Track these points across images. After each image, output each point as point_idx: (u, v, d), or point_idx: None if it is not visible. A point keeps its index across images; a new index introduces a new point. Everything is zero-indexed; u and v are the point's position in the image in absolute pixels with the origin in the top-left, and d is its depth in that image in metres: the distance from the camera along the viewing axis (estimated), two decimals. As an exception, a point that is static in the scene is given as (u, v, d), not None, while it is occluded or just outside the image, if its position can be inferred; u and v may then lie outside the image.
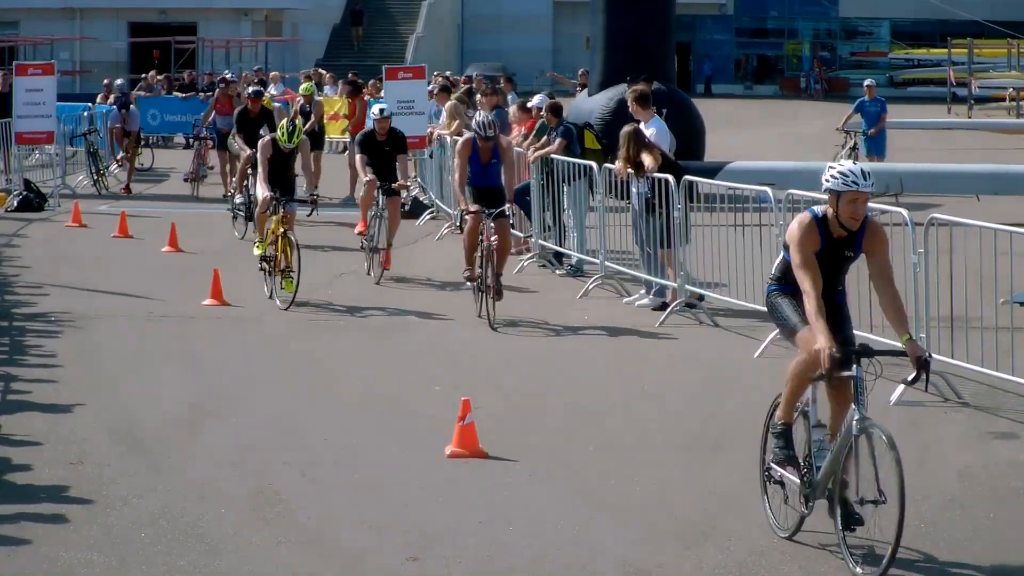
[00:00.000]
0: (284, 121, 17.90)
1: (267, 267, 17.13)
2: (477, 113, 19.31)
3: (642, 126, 17.02)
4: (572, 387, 13.01)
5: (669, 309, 16.02)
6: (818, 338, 8.36)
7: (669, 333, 15.40)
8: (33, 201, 25.97)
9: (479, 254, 16.02)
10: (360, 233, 19.15)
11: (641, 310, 16.62)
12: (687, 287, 16.08)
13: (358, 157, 18.68)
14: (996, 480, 10.19)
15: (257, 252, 17.56)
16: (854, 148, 28.55)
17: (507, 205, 16.27)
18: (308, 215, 18.14)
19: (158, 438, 11.14)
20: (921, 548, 8.81)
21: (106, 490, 9.77)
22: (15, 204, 25.76)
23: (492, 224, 15.95)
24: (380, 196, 18.58)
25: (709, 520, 9.30)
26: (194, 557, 8.55)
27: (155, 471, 10.27)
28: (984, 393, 12.47)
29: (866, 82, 29.60)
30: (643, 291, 17.09)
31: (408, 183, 21.08)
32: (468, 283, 16.42)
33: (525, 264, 19.38)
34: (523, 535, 9.01)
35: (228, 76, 31.29)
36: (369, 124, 20.67)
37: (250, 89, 24.04)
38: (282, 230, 16.76)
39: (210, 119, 27.21)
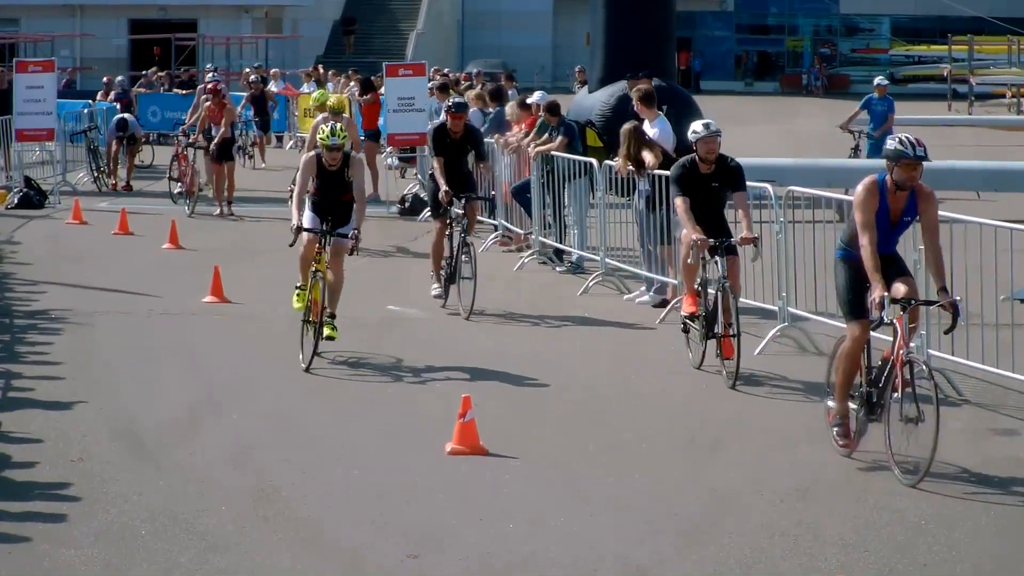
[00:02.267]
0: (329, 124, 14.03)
1: (306, 319, 13.77)
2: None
3: (647, 126, 17.01)
4: (572, 384, 13.01)
5: (670, 306, 16.01)
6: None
7: (669, 330, 15.38)
8: (33, 198, 25.97)
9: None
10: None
11: (641, 307, 16.61)
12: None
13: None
14: (996, 477, 10.20)
15: (298, 306, 14.20)
16: (856, 149, 28.33)
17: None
18: (350, 253, 13.88)
19: (158, 435, 11.14)
20: (921, 546, 8.82)
21: (106, 487, 9.77)
22: (15, 201, 25.76)
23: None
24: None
25: (709, 518, 9.30)
26: (194, 554, 8.56)
27: (155, 468, 10.27)
28: (985, 390, 12.47)
29: (876, 80, 29.13)
30: (643, 288, 17.09)
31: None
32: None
33: (526, 261, 19.37)
34: (523, 532, 9.02)
35: (212, 77, 30.20)
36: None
37: (451, 102, 17.46)
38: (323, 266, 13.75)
39: (203, 126, 25.39)
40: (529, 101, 21.41)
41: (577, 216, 19.07)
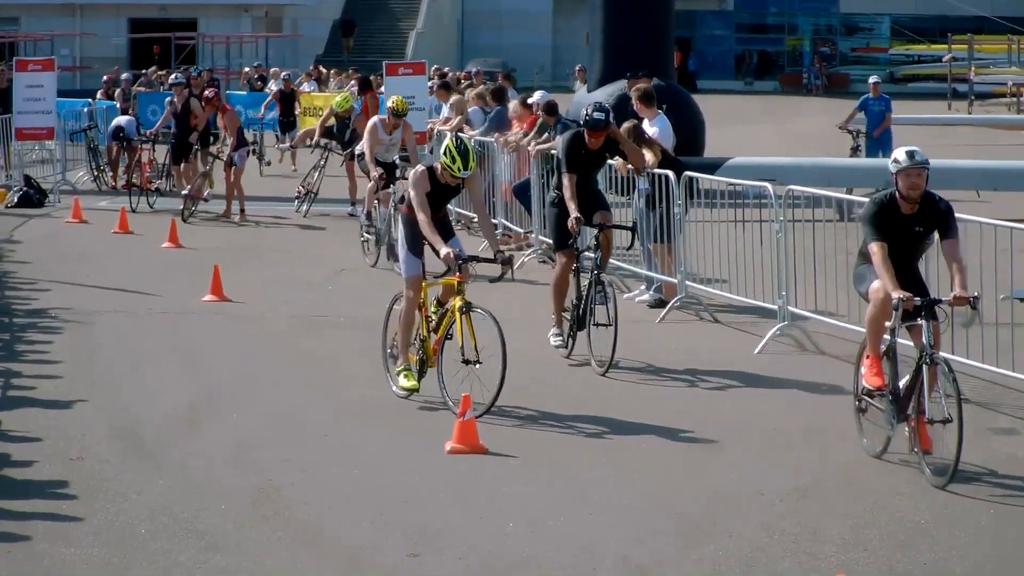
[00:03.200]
0: (448, 140, 12.07)
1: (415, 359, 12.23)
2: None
3: (647, 125, 17.00)
4: (572, 384, 13.00)
5: (669, 305, 16.02)
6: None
7: (669, 329, 15.39)
8: (33, 197, 25.97)
9: None
10: None
11: (641, 306, 16.61)
12: (692, 285, 16.05)
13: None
14: (996, 476, 10.19)
15: (411, 385, 12.11)
16: (856, 149, 28.31)
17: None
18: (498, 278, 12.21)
19: (158, 434, 11.14)
20: (921, 546, 8.82)
21: (106, 486, 9.77)
22: (15, 200, 25.76)
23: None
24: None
25: (709, 517, 9.29)
26: (194, 553, 8.56)
27: (155, 467, 10.27)
28: (984, 389, 12.46)
29: (871, 79, 29.18)
30: (643, 287, 17.09)
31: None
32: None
33: (525, 260, 19.36)
34: (523, 532, 9.01)
35: (176, 79, 27.84)
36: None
37: (592, 112, 13.81)
38: (459, 303, 11.78)
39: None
40: (530, 101, 21.40)
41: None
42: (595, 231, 13.83)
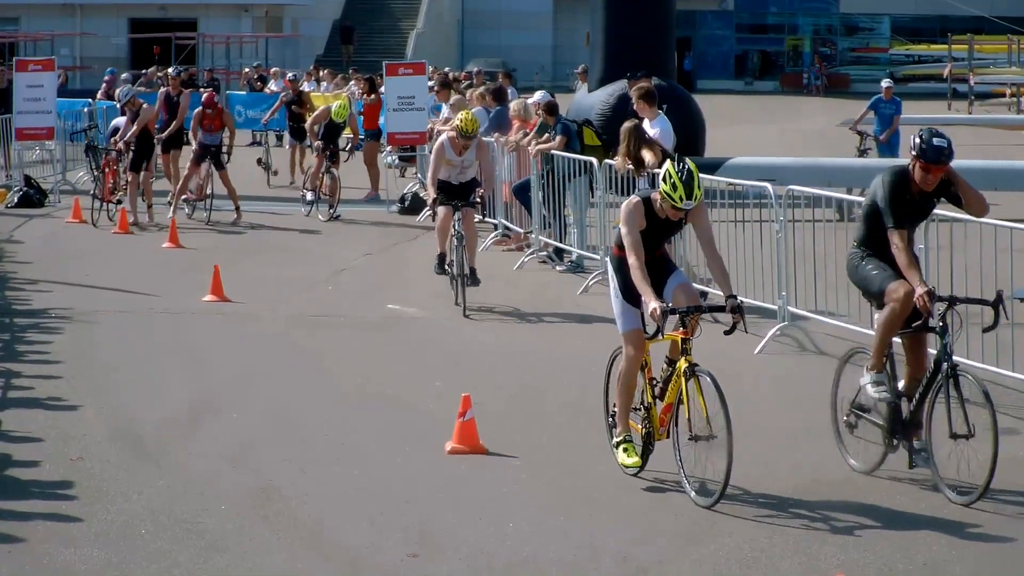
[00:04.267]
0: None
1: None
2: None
3: (647, 124, 17.01)
4: (572, 383, 13.00)
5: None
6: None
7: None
8: (33, 197, 25.97)
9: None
10: None
11: (641, 306, 16.59)
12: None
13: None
14: (996, 477, 10.18)
15: (628, 461, 10.11)
16: (865, 151, 28.28)
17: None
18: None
19: (158, 434, 11.14)
20: (921, 546, 8.82)
21: (106, 486, 9.78)
22: (15, 200, 25.77)
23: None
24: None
25: (709, 517, 9.29)
26: (194, 553, 8.56)
27: (155, 467, 10.27)
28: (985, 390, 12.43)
29: (883, 83, 29.13)
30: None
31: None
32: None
33: (526, 260, 19.37)
34: (523, 532, 9.02)
35: (173, 76, 27.98)
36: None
37: (920, 143, 9.92)
38: (684, 365, 9.77)
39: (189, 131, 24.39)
40: (530, 101, 21.41)
41: (577, 215, 19.07)
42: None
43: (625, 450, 10.07)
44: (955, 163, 9.98)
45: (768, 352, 14.18)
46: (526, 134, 20.43)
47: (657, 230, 9.92)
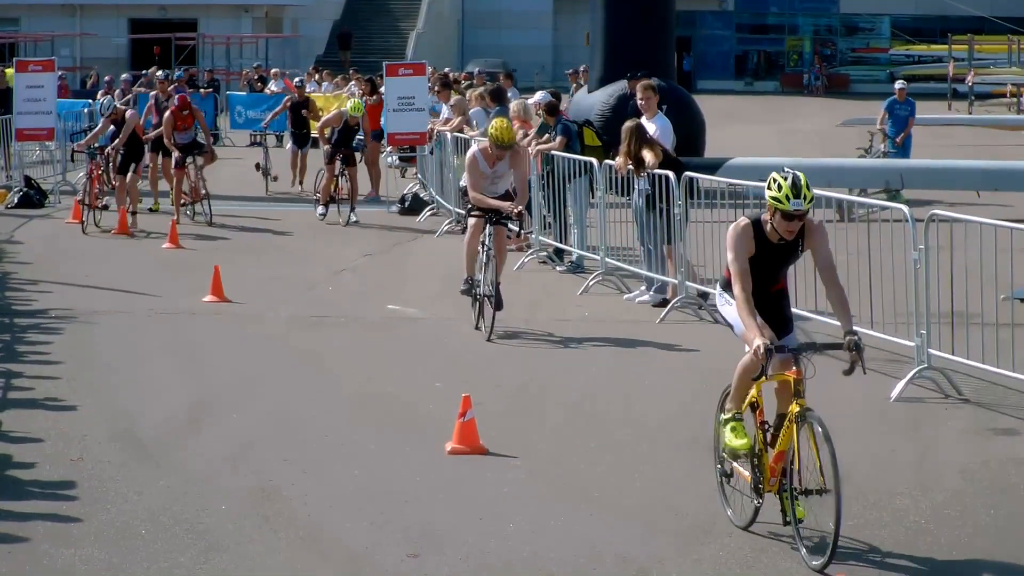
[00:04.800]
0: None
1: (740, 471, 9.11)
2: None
3: (647, 122, 16.99)
4: (572, 384, 13.00)
5: (670, 305, 16.02)
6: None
7: (670, 329, 15.39)
8: (34, 198, 25.97)
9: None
10: None
11: (641, 306, 16.62)
12: (693, 284, 16.06)
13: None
14: (997, 477, 10.19)
15: (740, 443, 9.03)
16: (884, 152, 28.22)
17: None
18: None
19: (158, 435, 11.14)
20: (921, 545, 8.81)
21: (106, 487, 9.77)
22: (16, 201, 25.76)
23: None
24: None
25: (709, 517, 9.29)
26: (194, 554, 8.56)
27: (155, 468, 10.27)
28: (985, 389, 12.46)
29: (897, 84, 29.07)
30: (643, 287, 17.09)
31: None
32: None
33: (526, 261, 19.37)
34: (523, 532, 9.01)
35: (161, 80, 27.92)
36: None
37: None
38: (796, 409, 8.52)
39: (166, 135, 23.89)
40: (530, 101, 21.40)
41: (577, 215, 19.07)
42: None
43: (733, 429, 8.96)
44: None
45: (768, 352, 14.16)
46: (526, 135, 20.42)
47: (769, 257, 8.72)
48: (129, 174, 23.04)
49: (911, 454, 10.72)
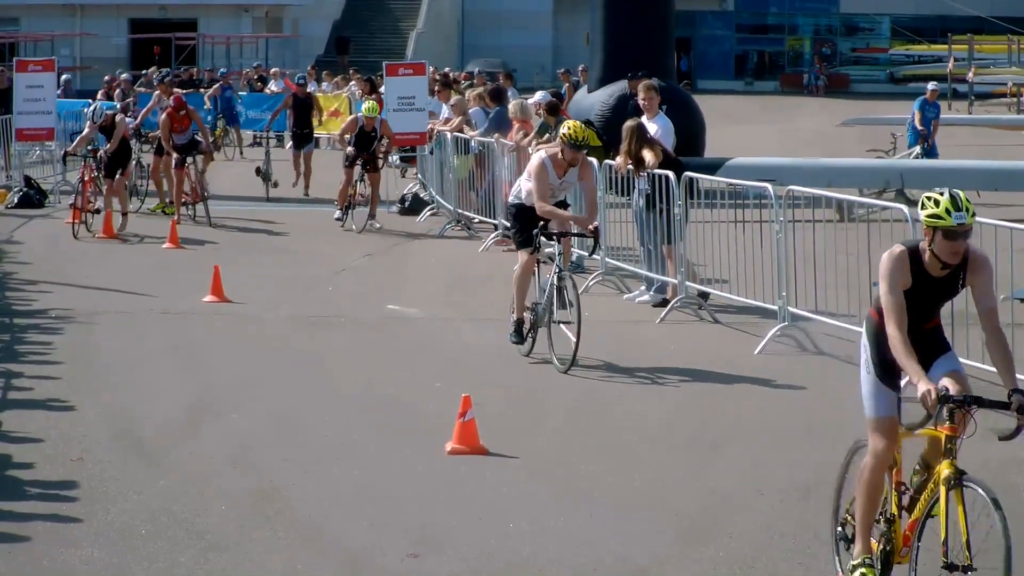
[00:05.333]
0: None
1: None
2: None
3: (648, 122, 16.99)
4: (573, 384, 13.00)
5: (670, 305, 16.02)
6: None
7: (669, 329, 15.39)
8: (33, 198, 25.97)
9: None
10: None
11: (641, 306, 16.61)
12: (693, 284, 16.06)
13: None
14: (996, 477, 10.17)
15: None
16: (920, 155, 28.23)
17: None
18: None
19: (158, 435, 11.14)
20: (921, 545, 8.79)
21: (106, 487, 9.77)
22: (15, 201, 25.75)
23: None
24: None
25: (709, 517, 9.29)
26: (194, 554, 8.56)
27: (155, 468, 10.27)
28: (984, 390, 12.41)
29: (930, 85, 29.20)
30: (643, 287, 17.09)
31: None
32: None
33: (525, 261, 19.34)
34: (523, 532, 9.01)
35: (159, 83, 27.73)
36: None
37: None
38: (948, 471, 7.48)
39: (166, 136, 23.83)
40: (530, 101, 21.40)
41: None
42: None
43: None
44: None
45: (768, 352, 14.18)
46: (526, 134, 20.43)
47: (926, 291, 7.70)
48: (117, 177, 23.00)
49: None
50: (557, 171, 13.73)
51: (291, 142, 28.39)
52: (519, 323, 13.68)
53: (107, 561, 8.42)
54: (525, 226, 13.84)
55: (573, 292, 13.38)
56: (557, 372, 13.36)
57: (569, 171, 13.76)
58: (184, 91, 39.06)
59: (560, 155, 13.63)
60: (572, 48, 69.47)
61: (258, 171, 27.48)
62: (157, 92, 28.16)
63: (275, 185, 27.66)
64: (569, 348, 13.21)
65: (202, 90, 39.65)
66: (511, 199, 14.29)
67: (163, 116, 24.04)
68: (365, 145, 23.17)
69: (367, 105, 23.82)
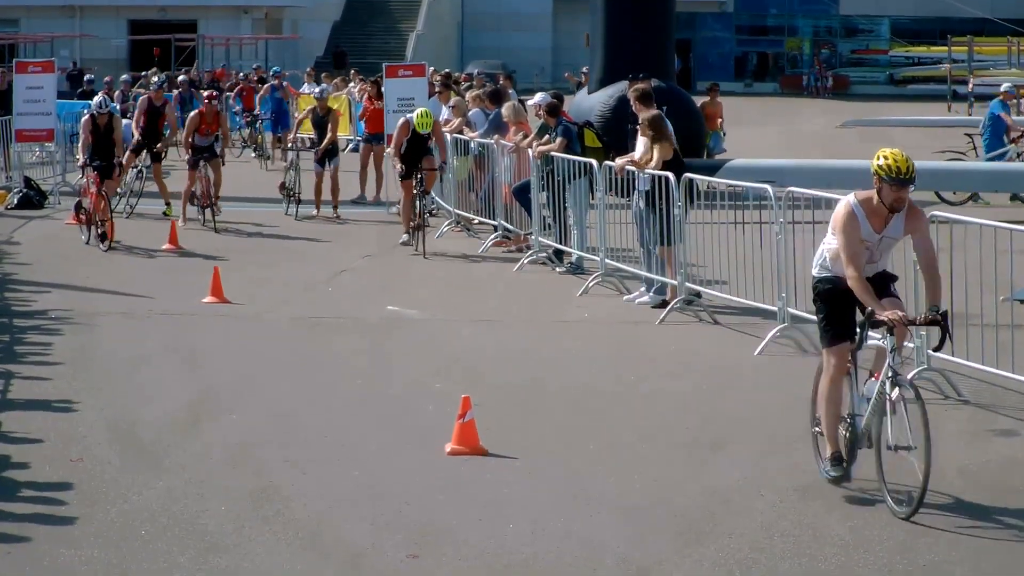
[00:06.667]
0: None
1: None
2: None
3: (644, 124, 17.00)
4: (572, 385, 13.00)
5: (669, 306, 16.02)
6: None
7: (669, 331, 15.40)
8: (33, 199, 25.97)
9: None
10: None
11: (641, 308, 16.61)
12: (691, 286, 16.06)
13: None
14: (996, 478, 10.19)
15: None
16: (974, 150, 28.23)
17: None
18: None
19: (158, 435, 11.14)
20: (921, 546, 8.81)
21: (106, 487, 9.77)
22: (15, 202, 25.76)
23: None
24: None
25: (709, 517, 9.30)
26: (194, 554, 8.56)
27: (155, 468, 10.27)
28: (984, 391, 12.46)
29: (1003, 86, 29.35)
30: (643, 288, 17.08)
31: None
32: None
33: (526, 262, 19.37)
34: (523, 533, 9.01)
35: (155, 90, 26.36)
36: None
37: None
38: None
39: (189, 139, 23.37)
40: (530, 103, 21.38)
41: (577, 217, 19.07)
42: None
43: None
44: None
45: (768, 353, 14.18)
46: (525, 135, 20.42)
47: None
48: (106, 181, 22.92)
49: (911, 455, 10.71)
50: (874, 223, 9.57)
51: (314, 161, 24.95)
52: (837, 455, 9.76)
53: (107, 561, 8.42)
54: (835, 310, 9.82)
55: (919, 411, 9.18)
56: (556, 370, 13.36)
57: (892, 220, 9.56)
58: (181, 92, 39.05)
59: (877, 198, 9.50)
60: (572, 49, 69.58)
61: (282, 187, 24.96)
62: (177, 91, 27.77)
63: (268, 158, 27.22)
64: (913, 480, 9.27)
65: (203, 92, 39.61)
66: (814, 271, 10.04)
67: (194, 113, 23.89)
68: (418, 154, 20.96)
69: (420, 111, 21.13)
